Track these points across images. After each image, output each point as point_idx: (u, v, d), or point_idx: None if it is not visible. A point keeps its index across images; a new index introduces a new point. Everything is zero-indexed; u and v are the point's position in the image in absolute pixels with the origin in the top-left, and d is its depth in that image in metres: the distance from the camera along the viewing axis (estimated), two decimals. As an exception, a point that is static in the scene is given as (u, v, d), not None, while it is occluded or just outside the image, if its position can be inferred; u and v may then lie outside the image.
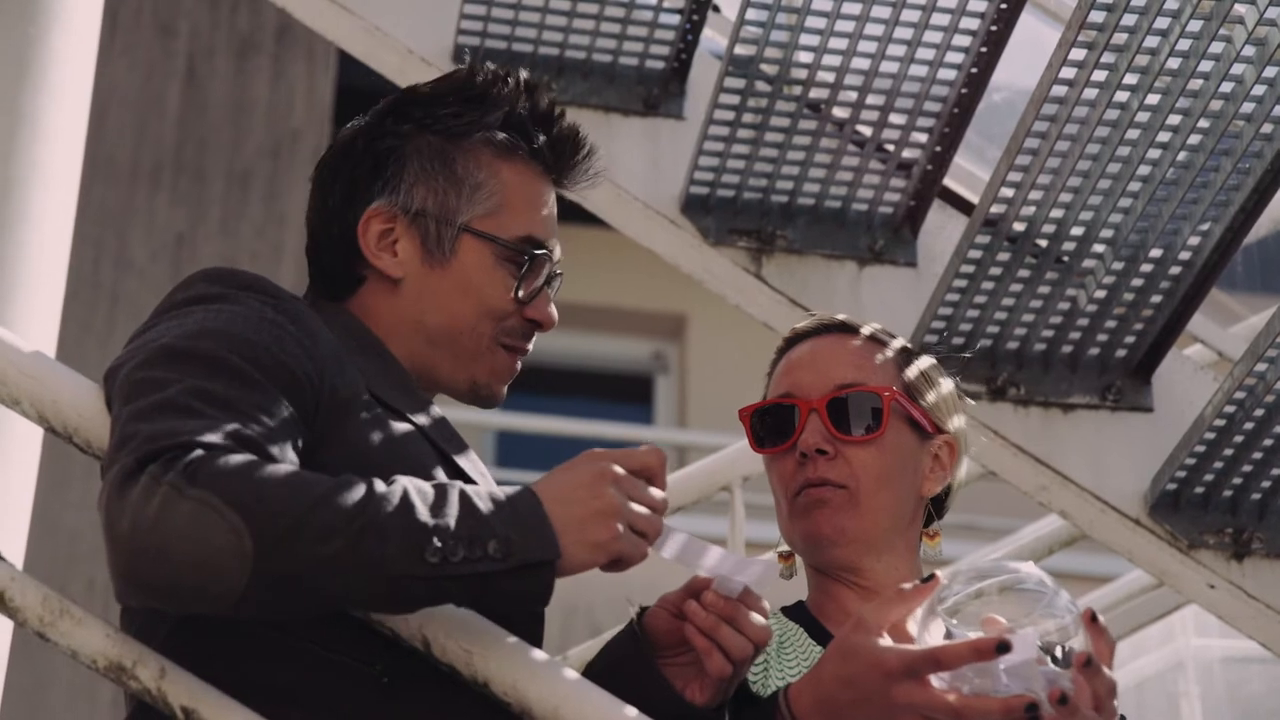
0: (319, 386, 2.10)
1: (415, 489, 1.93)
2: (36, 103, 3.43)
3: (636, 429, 9.47)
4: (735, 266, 3.40)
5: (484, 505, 1.94)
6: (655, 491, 2.02)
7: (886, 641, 2.06)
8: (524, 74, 2.34)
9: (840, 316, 2.56)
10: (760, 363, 2.64)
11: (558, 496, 1.97)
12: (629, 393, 10.05)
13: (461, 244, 2.28)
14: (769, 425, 2.48)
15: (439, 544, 1.90)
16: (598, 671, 2.14)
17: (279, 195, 7.61)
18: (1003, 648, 1.99)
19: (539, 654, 2.05)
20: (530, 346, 2.33)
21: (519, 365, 2.33)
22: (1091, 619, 2.06)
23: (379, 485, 1.92)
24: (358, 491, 1.91)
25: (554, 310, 2.33)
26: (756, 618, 2.12)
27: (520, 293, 2.28)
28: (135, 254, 7.44)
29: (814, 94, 3.29)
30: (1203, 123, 2.95)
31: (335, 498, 1.90)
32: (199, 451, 1.91)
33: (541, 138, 2.32)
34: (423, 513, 1.91)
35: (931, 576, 2.08)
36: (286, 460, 1.99)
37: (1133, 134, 3.00)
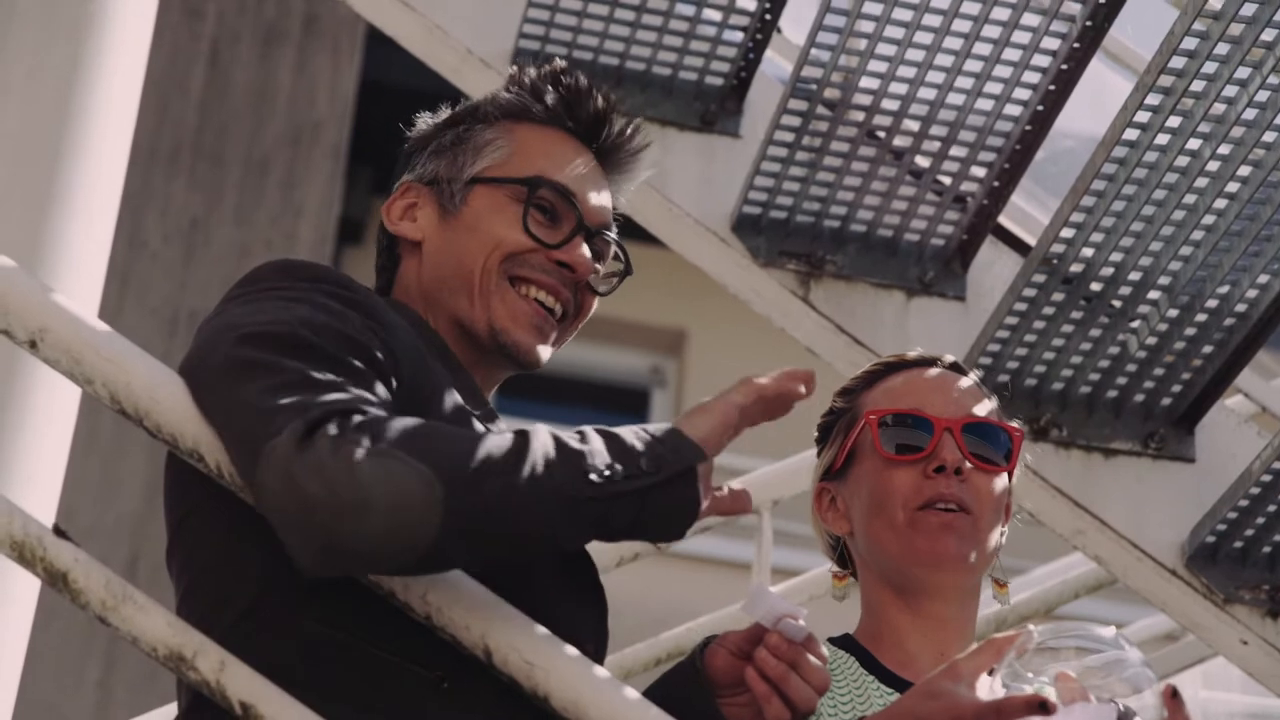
0: (399, 376, 2.09)
1: (549, 430, 1.99)
2: (91, 85, 3.41)
3: (632, 442, 9.43)
4: (782, 289, 3.37)
5: (622, 432, 2.01)
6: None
7: (971, 691, 2.05)
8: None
9: (951, 357, 2.57)
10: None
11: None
12: (624, 404, 10.03)
13: (471, 194, 2.33)
14: (894, 435, 2.46)
15: (599, 465, 1.96)
16: (655, 701, 2.11)
17: (296, 185, 7.57)
18: (1044, 707, 1.97)
19: (601, 671, 2.02)
20: (562, 288, 2.31)
21: (551, 314, 2.31)
22: (1173, 695, 2.04)
23: (518, 431, 1.98)
24: (507, 437, 1.97)
25: (586, 254, 2.31)
26: (816, 663, 2.11)
27: (529, 225, 2.29)
28: (149, 235, 7.40)
29: (875, 121, 3.27)
30: (1274, 176, 2.93)
31: (494, 442, 1.96)
32: (358, 415, 1.94)
33: (551, 95, 2.35)
34: (574, 442, 1.98)
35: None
36: None
37: (1201, 182, 2.98)
